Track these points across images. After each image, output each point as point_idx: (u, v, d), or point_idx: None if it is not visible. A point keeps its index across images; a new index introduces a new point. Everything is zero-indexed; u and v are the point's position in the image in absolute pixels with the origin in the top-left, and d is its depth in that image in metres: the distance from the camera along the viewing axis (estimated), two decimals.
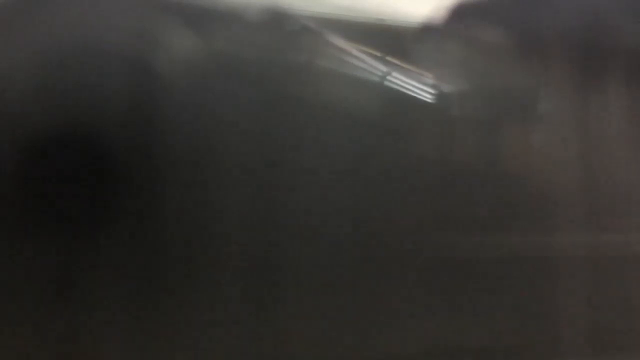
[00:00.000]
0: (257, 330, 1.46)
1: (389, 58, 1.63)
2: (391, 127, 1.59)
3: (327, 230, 1.51)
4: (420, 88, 1.63)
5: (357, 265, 1.53)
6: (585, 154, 1.72)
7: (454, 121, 1.65)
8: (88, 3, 1.44)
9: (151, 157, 1.42)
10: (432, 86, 1.64)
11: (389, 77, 1.62)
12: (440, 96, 1.65)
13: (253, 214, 1.48)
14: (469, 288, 1.61)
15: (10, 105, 1.35)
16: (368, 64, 1.60)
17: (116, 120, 1.40)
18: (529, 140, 1.71)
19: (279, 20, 1.54)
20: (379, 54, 1.62)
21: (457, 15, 1.72)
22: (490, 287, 1.62)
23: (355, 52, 1.59)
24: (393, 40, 1.66)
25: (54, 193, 1.37)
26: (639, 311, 1.72)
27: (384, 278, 1.54)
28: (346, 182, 1.53)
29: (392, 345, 1.54)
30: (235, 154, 1.47)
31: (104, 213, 1.40)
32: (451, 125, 1.64)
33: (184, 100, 1.45)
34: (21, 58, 1.37)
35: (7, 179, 1.35)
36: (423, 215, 1.58)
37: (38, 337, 1.35)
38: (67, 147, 1.37)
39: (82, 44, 1.41)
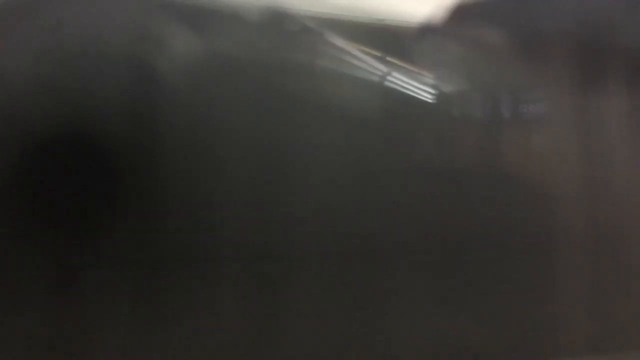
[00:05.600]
0: (257, 330, 1.47)
1: (389, 58, 1.63)
2: (391, 126, 1.59)
3: (327, 228, 1.52)
4: (420, 88, 1.63)
5: (358, 263, 1.53)
6: (586, 153, 1.72)
7: (454, 121, 1.65)
8: (88, 3, 1.44)
9: (152, 155, 1.43)
10: (432, 86, 1.64)
11: (389, 77, 1.62)
12: (440, 96, 1.65)
13: (253, 213, 1.48)
14: (471, 286, 1.61)
15: (10, 105, 1.35)
16: (368, 64, 1.60)
17: (117, 119, 1.40)
18: (529, 140, 1.72)
19: (279, 20, 1.54)
20: (379, 54, 1.62)
21: (457, 15, 1.73)
22: (490, 287, 1.63)
23: (355, 52, 1.59)
24: (393, 40, 1.66)
25: (53, 192, 1.37)
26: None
27: (383, 275, 1.54)
28: (346, 180, 1.54)
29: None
30: (235, 153, 1.47)
31: (105, 212, 1.40)
32: (451, 124, 1.64)
33: (184, 99, 1.45)
34: (21, 58, 1.37)
35: (8, 178, 1.35)
36: (423, 213, 1.58)
37: (37, 336, 1.35)
38: (67, 146, 1.37)
39: (83, 44, 1.41)
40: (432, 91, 1.64)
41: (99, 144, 1.40)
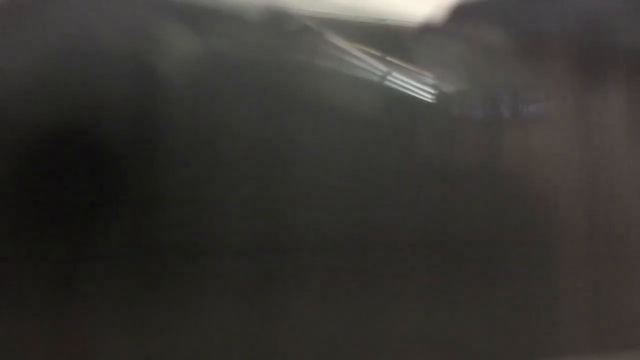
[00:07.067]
0: (256, 328, 1.47)
1: (389, 58, 1.63)
2: (391, 126, 1.59)
3: (327, 226, 1.52)
4: (420, 88, 1.63)
5: (357, 260, 1.53)
6: (585, 153, 1.72)
7: (454, 120, 1.65)
8: (89, 3, 1.45)
9: (152, 155, 1.43)
10: (432, 86, 1.64)
11: (389, 77, 1.62)
12: (440, 96, 1.65)
13: (253, 211, 1.48)
14: (470, 284, 1.61)
15: (11, 105, 1.36)
16: (368, 64, 1.60)
17: (118, 116, 1.41)
18: (529, 139, 1.72)
19: (279, 20, 1.55)
20: (379, 54, 1.62)
21: (457, 15, 1.73)
22: (487, 283, 1.63)
23: (355, 52, 1.59)
24: (393, 40, 1.66)
25: (56, 188, 1.37)
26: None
27: (384, 273, 1.55)
28: (346, 179, 1.54)
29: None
30: (235, 153, 1.47)
31: (108, 207, 1.40)
32: (451, 124, 1.65)
33: (185, 99, 1.45)
34: (22, 58, 1.38)
35: (10, 177, 1.36)
36: (422, 211, 1.58)
37: (38, 335, 1.36)
38: (68, 142, 1.38)
39: (83, 44, 1.41)
40: (432, 91, 1.64)
41: (101, 141, 1.40)
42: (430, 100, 1.64)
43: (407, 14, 1.66)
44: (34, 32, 1.40)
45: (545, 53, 1.71)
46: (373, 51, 1.61)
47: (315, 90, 1.55)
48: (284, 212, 1.49)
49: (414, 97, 1.63)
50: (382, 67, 1.62)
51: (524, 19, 1.75)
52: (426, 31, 1.70)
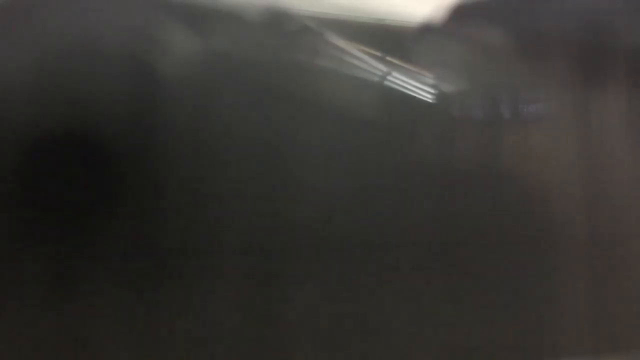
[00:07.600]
0: (257, 328, 1.47)
1: (389, 58, 1.63)
2: (390, 126, 1.59)
3: (326, 226, 1.52)
4: (420, 88, 1.63)
5: (356, 260, 1.53)
6: (585, 153, 1.72)
7: (454, 120, 1.65)
8: (89, 3, 1.45)
9: (152, 155, 1.43)
10: (432, 86, 1.64)
11: (389, 77, 1.62)
12: (440, 96, 1.65)
13: (253, 212, 1.48)
14: (470, 284, 1.62)
15: (11, 105, 1.36)
16: (368, 64, 1.61)
17: (117, 117, 1.41)
18: (529, 139, 1.72)
19: (279, 20, 1.55)
20: (379, 54, 1.62)
21: (457, 15, 1.73)
22: (490, 286, 1.63)
23: (355, 52, 1.60)
24: (393, 40, 1.67)
25: (53, 192, 1.37)
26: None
27: (383, 272, 1.55)
28: (346, 179, 1.54)
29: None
30: (235, 153, 1.47)
31: (107, 207, 1.40)
32: (451, 124, 1.65)
33: (185, 99, 1.46)
34: (22, 58, 1.38)
35: (9, 177, 1.36)
36: (422, 211, 1.58)
37: (37, 335, 1.36)
38: (67, 145, 1.38)
39: (83, 44, 1.41)
40: (432, 91, 1.64)
41: (100, 141, 1.40)
42: (430, 100, 1.64)
43: (407, 14, 1.67)
44: (34, 32, 1.40)
45: (545, 53, 1.71)
46: (373, 51, 1.61)
47: (315, 90, 1.55)
48: (284, 212, 1.49)
49: (414, 97, 1.63)
50: (382, 67, 1.62)
51: (524, 19, 1.75)
52: (426, 31, 1.70)
